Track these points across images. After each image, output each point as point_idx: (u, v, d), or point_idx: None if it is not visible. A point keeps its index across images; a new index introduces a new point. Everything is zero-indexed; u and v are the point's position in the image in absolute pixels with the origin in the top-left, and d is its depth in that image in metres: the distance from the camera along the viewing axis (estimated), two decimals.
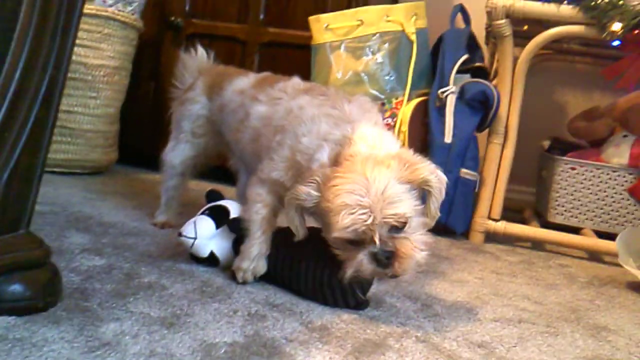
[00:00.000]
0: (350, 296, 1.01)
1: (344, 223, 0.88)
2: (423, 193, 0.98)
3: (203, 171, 1.49)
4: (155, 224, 1.42)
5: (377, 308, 1.04)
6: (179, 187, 1.45)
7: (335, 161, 0.97)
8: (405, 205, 0.92)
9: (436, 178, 0.97)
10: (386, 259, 0.91)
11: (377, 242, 0.89)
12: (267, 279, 1.09)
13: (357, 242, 0.91)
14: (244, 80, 1.30)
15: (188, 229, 1.13)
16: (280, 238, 1.09)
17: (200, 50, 1.52)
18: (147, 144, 2.15)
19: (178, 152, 1.41)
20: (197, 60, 1.50)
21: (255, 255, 1.07)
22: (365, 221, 0.88)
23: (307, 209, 0.96)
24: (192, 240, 1.12)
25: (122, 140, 2.13)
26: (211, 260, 1.13)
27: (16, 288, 0.81)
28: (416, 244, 0.93)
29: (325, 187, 0.92)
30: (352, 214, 0.88)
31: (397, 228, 0.91)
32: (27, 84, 0.79)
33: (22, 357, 0.70)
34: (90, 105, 1.92)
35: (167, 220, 1.43)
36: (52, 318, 0.81)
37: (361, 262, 0.91)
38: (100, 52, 1.91)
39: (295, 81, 1.21)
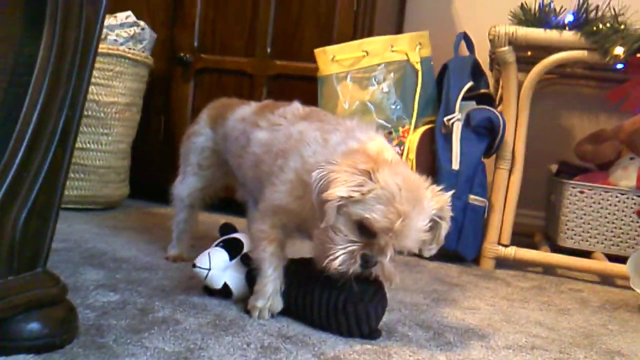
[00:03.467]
0: (365, 324, 1.02)
1: (381, 211, 0.90)
2: None
3: (213, 203, 1.51)
4: (168, 257, 1.43)
5: (389, 337, 1.05)
6: (189, 220, 1.46)
7: None
8: (420, 242, 0.96)
9: (450, 208, 0.99)
10: (372, 265, 0.94)
11: (383, 248, 0.93)
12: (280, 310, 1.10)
13: (366, 234, 0.93)
14: (246, 109, 1.33)
15: (202, 261, 1.14)
16: (293, 268, 1.10)
17: None
18: (158, 178, 2.17)
19: (186, 185, 1.43)
20: None
21: (270, 293, 1.08)
22: (394, 223, 0.90)
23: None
24: (206, 272, 1.13)
25: (133, 175, 2.16)
26: (225, 291, 1.15)
27: (34, 326, 0.83)
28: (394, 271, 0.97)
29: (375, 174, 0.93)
30: (392, 210, 0.90)
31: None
32: (44, 125, 0.81)
33: None
34: (102, 141, 1.96)
35: (179, 253, 1.44)
36: (69, 355, 0.83)
37: (355, 255, 0.93)
38: (112, 89, 1.96)
39: (295, 106, 1.22)
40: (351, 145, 1.03)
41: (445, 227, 1.00)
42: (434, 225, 0.99)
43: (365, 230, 0.93)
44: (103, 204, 2.01)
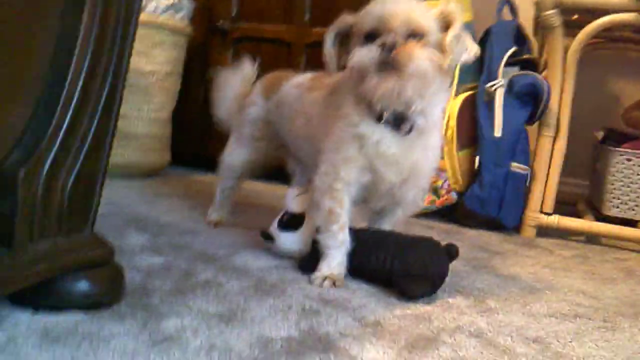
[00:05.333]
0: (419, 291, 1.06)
1: (368, 11, 1.02)
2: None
3: (261, 173, 1.52)
4: (209, 222, 1.46)
5: (430, 303, 1.05)
6: (234, 188, 1.49)
7: None
8: (426, 19, 1.01)
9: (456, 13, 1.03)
10: (388, 47, 0.98)
11: (390, 33, 0.98)
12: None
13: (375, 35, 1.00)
14: (301, 77, 1.33)
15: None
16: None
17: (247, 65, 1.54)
18: (198, 146, 2.21)
19: (237, 155, 1.45)
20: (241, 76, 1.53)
21: (337, 263, 1.10)
22: (385, 14, 0.99)
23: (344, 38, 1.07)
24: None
25: (175, 143, 2.19)
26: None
27: (83, 285, 0.85)
28: (423, 52, 1.00)
29: None
30: (377, 5, 1.01)
31: (415, 37, 1.00)
32: (89, 93, 0.83)
33: (91, 350, 0.74)
34: (144, 109, 1.98)
35: (220, 218, 1.47)
36: (117, 314, 0.85)
37: (369, 49, 0.99)
38: (152, 58, 1.97)
39: None
40: None
41: (456, 27, 1.02)
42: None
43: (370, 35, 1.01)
44: (145, 171, 2.04)
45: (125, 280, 0.92)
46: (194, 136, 2.23)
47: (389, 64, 0.98)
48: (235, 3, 2.19)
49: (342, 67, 1.08)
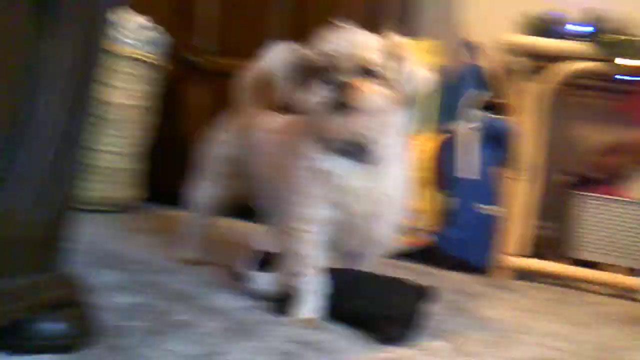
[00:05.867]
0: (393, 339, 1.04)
1: (320, 47, 1.03)
2: None
3: (231, 209, 1.51)
4: (184, 261, 1.43)
5: (411, 347, 1.03)
6: (205, 225, 1.47)
7: None
8: (376, 54, 1.02)
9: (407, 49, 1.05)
10: (340, 86, 0.99)
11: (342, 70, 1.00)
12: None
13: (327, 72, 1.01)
14: (276, 120, 1.32)
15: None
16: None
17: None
18: (174, 182, 2.17)
19: (204, 190, 1.43)
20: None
21: (310, 300, 1.09)
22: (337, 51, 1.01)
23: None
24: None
25: (150, 179, 2.16)
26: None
27: (53, 326, 0.82)
28: (374, 89, 1.01)
29: None
30: (329, 43, 1.03)
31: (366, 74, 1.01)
32: (54, 124, 0.80)
33: None
34: (117, 144, 1.96)
35: (194, 257, 1.44)
36: (89, 357, 0.82)
37: (318, 87, 1.00)
38: (128, 92, 1.96)
39: None
40: None
41: (410, 65, 1.04)
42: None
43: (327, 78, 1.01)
44: (118, 207, 2.00)
45: (97, 321, 0.89)
46: (170, 172, 2.20)
47: (342, 103, 1.00)
48: (213, 39, 2.20)
49: (292, 100, 1.09)
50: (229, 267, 1.35)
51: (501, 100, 1.94)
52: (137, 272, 1.28)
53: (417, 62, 1.06)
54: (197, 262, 1.42)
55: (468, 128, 1.81)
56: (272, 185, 1.24)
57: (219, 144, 1.42)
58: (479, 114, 1.86)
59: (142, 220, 1.94)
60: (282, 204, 1.14)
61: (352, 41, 1.02)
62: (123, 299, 1.08)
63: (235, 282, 1.23)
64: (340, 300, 1.11)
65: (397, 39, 1.06)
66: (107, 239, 1.57)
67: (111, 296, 1.09)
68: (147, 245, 1.57)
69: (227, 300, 1.16)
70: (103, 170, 1.93)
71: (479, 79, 1.93)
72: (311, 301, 1.09)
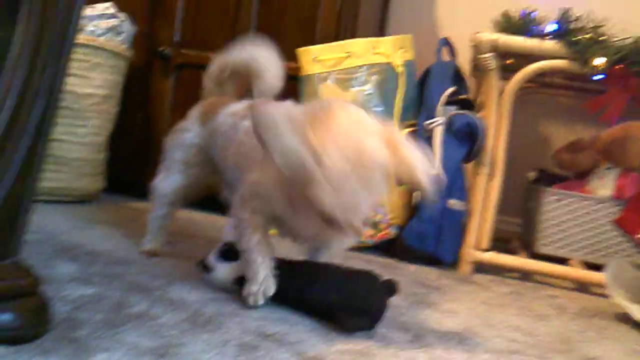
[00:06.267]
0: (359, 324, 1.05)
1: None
2: None
3: (193, 201, 1.48)
4: (143, 252, 1.40)
5: (370, 338, 1.03)
6: (168, 217, 1.44)
7: None
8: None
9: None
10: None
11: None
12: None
13: None
14: (238, 105, 1.31)
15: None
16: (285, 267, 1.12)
17: None
18: (136, 173, 2.14)
19: (170, 181, 1.40)
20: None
21: (263, 278, 1.09)
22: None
23: None
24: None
25: (111, 169, 2.12)
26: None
27: (5, 317, 0.79)
28: None
29: None
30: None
31: None
32: (19, 111, 0.78)
33: None
34: (78, 133, 1.91)
35: (155, 248, 1.41)
36: (41, 348, 0.79)
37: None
38: (89, 81, 1.91)
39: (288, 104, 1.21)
40: None
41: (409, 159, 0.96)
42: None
43: None
44: (78, 197, 1.95)
45: (51, 312, 0.87)
46: (132, 163, 2.16)
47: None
48: (178, 29, 2.16)
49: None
50: (191, 258, 1.33)
51: (471, 97, 1.96)
52: (95, 264, 1.25)
53: (416, 156, 0.98)
54: (158, 254, 1.40)
55: (438, 123, 1.82)
56: (235, 171, 1.23)
57: (183, 133, 1.40)
58: (449, 108, 1.87)
59: (103, 211, 1.90)
60: (236, 179, 1.15)
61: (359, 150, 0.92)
62: (78, 291, 1.06)
63: (197, 273, 1.21)
64: (302, 291, 1.11)
65: (388, 130, 0.98)
66: (66, 230, 1.53)
67: (66, 288, 1.06)
68: (107, 236, 1.53)
69: (186, 292, 1.14)
70: (63, 160, 1.88)
71: (451, 74, 1.94)
72: (261, 272, 1.09)
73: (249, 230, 1.09)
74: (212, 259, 1.18)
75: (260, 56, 1.35)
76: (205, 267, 1.18)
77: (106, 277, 1.17)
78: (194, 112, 1.42)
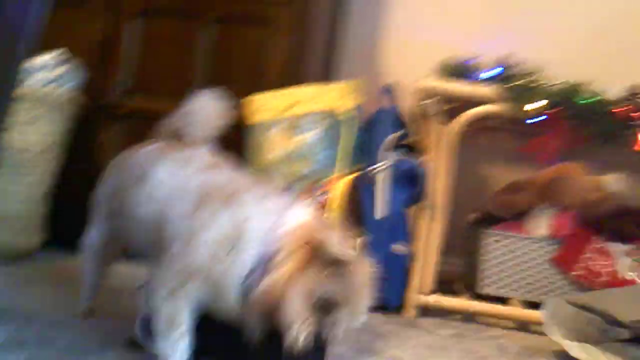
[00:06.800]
0: None
1: None
2: None
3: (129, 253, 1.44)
4: (79, 314, 1.34)
5: None
6: (99, 272, 1.36)
7: None
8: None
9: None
10: None
11: None
12: None
13: None
14: (149, 147, 1.24)
15: None
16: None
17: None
18: (79, 227, 2.09)
19: (95, 233, 1.33)
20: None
21: None
22: None
23: None
24: None
25: (53, 223, 2.05)
26: None
27: None
28: None
29: None
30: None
31: None
32: None
33: None
34: (15, 189, 1.86)
35: (90, 308, 1.35)
36: None
37: None
38: (27, 134, 1.87)
39: (202, 152, 1.18)
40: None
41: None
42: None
43: None
44: (13, 255, 1.87)
45: None
46: (77, 216, 2.11)
47: None
48: (126, 78, 2.16)
49: None
50: (130, 317, 1.30)
51: (414, 141, 2.01)
52: (28, 327, 1.22)
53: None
54: (93, 314, 1.35)
55: (382, 168, 1.86)
56: (150, 233, 1.10)
57: (102, 183, 1.32)
58: (393, 153, 1.91)
59: (41, 269, 1.84)
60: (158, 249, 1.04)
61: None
62: (9, 357, 1.03)
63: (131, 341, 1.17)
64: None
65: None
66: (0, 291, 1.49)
67: None
68: (40, 296, 1.49)
69: (118, 357, 1.11)
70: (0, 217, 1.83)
71: (394, 119, 1.99)
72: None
73: (177, 332, 0.99)
74: (138, 334, 1.12)
75: (196, 102, 1.32)
76: (136, 344, 1.13)
77: (40, 341, 1.14)
78: (115, 159, 1.34)
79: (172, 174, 1.10)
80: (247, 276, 0.94)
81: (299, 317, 0.91)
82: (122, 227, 1.24)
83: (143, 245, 1.16)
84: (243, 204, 0.99)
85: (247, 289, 0.94)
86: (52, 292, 1.54)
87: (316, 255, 0.93)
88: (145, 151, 1.23)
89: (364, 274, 0.99)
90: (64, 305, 1.43)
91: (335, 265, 0.93)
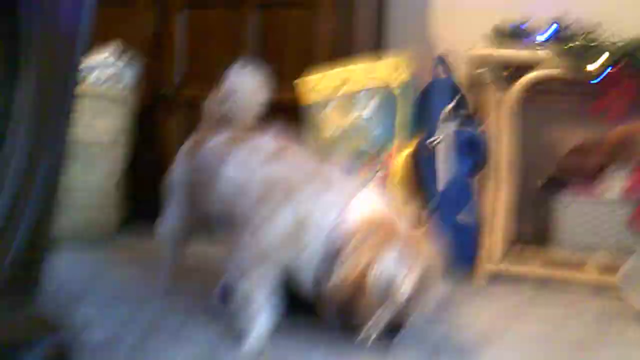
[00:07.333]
0: None
1: None
2: None
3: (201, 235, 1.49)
4: (162, 289, 1.41)
5: (385, 355, 1.04)
6: (176, 256, 1.44)
7: None
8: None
9: None
10: None
11: None
12: None
13: None
14: (216, 139, 1.28)
15: None
16: None
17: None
18: (150, 214, 2.16)
19: (169, 220, 1.40)
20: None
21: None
22: None
23: None
24: None
25: (124, 211, 2.13)
26: None
27: None
28: None
29: None
30: None
31: None
32: (30, 169, 0.81)
33: None
34: (88, 179, 1.94)
35: (167, 286, 1.42)
36: None
37: None
38: (94, 129, 1.95)
39: (266, 140, 1.20)
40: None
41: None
42: None
43: None
44: (92, 240, 1.97)
45: (72, 357, 0.88)
46: (145, 204, 2.18)
47: None
48: (180, 68, 2.20)
49: None
50: (200, 296, 1.34)
51: (472, 109, 1.98)
52: (110, 306, 1.27)
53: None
54: (170, 292, 1.40)
55: (441, 139, 1.83)
56: (225, 217, 1.18)
57: (173, 171, 1.40)
58: (451, 124, 1.89)
59: (119, 251, 1.92)
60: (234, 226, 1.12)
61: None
62: (95, 336, 1.07)
63: (214, 308, 1.21)
64: None
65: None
66: (81, 274, 1.56)
67: (84, 333, 1.08)
68: (121, 277, 1.55)
69: (199, 330, 1.15)
70: (75, 206, 1.91)
71: (450, 89, 1.96)
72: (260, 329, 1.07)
73: (252, 306, 1.07)
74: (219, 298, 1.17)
75: (232, 76, 1.36)
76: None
77: (124, 319, 1.18)
78: (182, 149, 1.41)
79: (237, 170, 1.15)
80: (317, 268, 0.99)
81: (373, 312, 0.98)
82: (195, 216, 1.33)
83: (217, 229, 1.23)
84: (303, 199, 1.03)
85: (319, 280, 0.99)
86: (129, 273, 1.60)
87: (387, 242, 0.97)
88: (213, 146, 1.27)
89: (433, 251, 1.03)
90: (142, 284, 1.48)
91: (405, 247, 0.97)
